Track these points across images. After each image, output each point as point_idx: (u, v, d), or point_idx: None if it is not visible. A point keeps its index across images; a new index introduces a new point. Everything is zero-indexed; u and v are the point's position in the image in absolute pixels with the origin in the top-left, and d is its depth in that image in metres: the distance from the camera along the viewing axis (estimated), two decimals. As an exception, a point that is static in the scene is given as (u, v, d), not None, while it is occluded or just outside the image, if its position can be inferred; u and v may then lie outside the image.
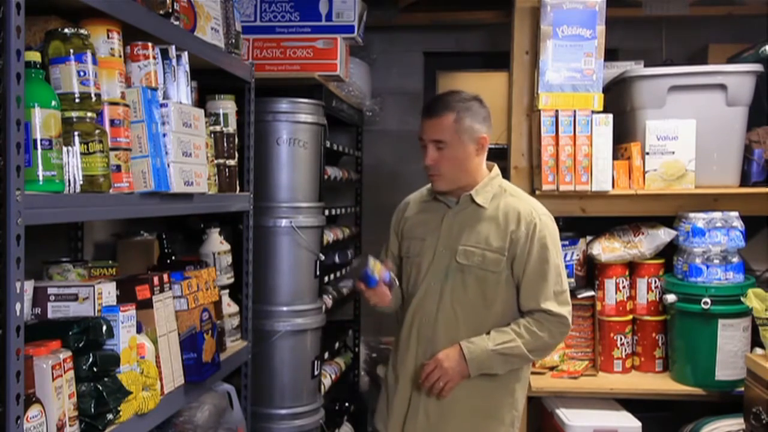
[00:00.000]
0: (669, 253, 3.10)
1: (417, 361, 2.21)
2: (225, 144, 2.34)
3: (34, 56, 1.40)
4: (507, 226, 2.15)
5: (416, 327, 2.21)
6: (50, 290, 1.68)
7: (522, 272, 2.14)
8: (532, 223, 2.15)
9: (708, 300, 2.86)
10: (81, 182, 1.48)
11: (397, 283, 2.25)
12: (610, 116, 2.92)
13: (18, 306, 1.25)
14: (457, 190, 2.21)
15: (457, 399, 2.15)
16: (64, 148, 1.44)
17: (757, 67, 2.99)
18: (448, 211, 2.23)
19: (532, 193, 3.07)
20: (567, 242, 3.14)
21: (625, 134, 3.08)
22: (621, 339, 3.12)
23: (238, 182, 2.45)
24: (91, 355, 1.54)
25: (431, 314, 2.19)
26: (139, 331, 1.76)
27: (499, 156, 4.02)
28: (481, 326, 2.15)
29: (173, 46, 1.92)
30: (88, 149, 1.49)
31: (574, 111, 2.91)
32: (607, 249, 3.10)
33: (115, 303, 1.71)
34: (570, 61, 2.92)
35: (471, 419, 2.17)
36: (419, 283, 2.22)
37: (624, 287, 3.14)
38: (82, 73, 1.49)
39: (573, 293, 3.14)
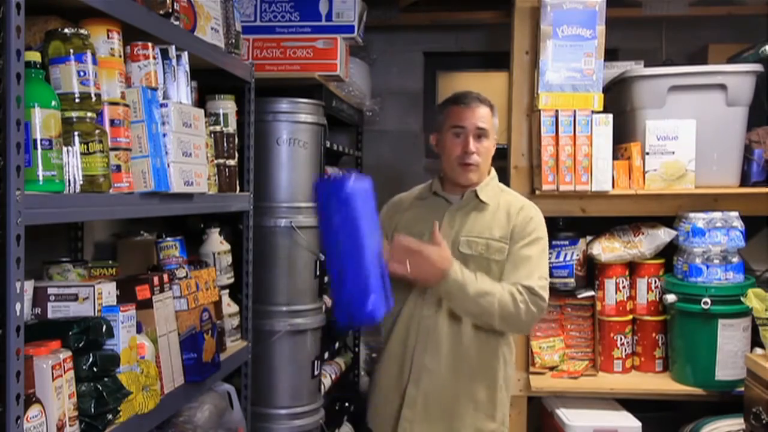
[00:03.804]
0: (669, 253, 3.10)
1: (416, 353, 2.20)
2: (225, 144, 2.34)
3: (34, 56, 1.40)
4: (509, 219, 2.21)
5: (416, 321, 2.21)
6: (50, 290, 1.68)
7: (513, 252, 2.16)
8: (529, 214, 2.23)
9: (708, 300, 2.87)
10: (81, 182, 1.48)
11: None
12: (610, 116, 2.92)
13: (18, 306, 1.25)
14: (465, 186, 2.24)
15: (458, 394, 2.17)
16: (64, 148, 1.44)
17: (757, 67, 2.99)
18: (449, 206, 2.25)
19: (532, 192, 3.08)
20: (567, 242, 3.14)
21: (625, 134, 3.08)
22: (621, 339, 3.12)
23: (238, 182, 2.45)
24: (91, 355, 1.54)
25: (432, 307, 2.18)
26: (139, 331, 1.76)
27: (499, 156, 4.04)
28: None
29: (173, 46, 1.92)
30: (88, 149, 1.49)
31: (574, 111, 2.91)
32: (607, 249, 3.10)
33: (115, 303, 1.71)
34: (570, 61, 2.92)
35: (470, 416, 2.18)
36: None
37: (624, 287, 3.14)
38: (82, 73, 1.49)
39: (573, 293, 3.17)
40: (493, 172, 2.33)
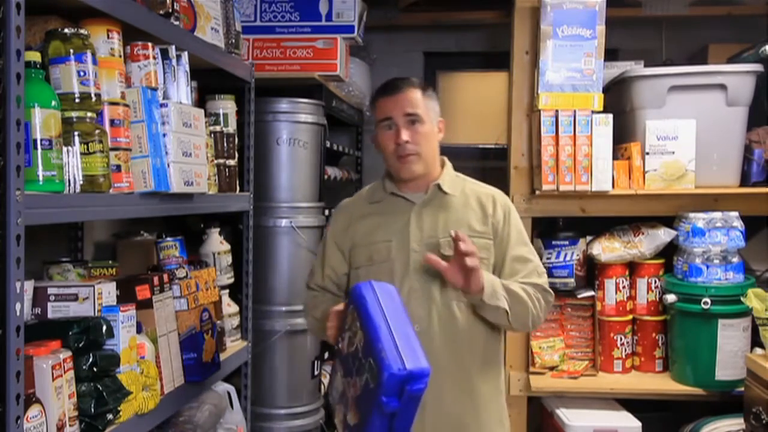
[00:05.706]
0: (669, 253, 3.10)
1: None
2: (225, 144, 2.34)
3: (34, 56, 1.40)
4: (484, 209, 2.05)
5: None
6: (50, 290, 1.68)
7: (504, 255, 2.03)
8: (506, 206, 2.08)
9: (708, 300, 2.86)
10: (81, 182, 1.49)
11: None
12: (610, 116, 2.92)
13: (18, 306, 1.25)
14: (420, 180, 2.04)
15: (462, 413, 2.04)
16: (64, 148, 1.44)
17: (757, 67, 2.98)
18: (413, 206, 2.03)
19: (532, 193, 3.08)
20: (567, 242, 3.14)
21: (625, 134, 3.08)
22: (621, 339, 3.12)
23: (238, 182, 2.45)
24: (91, 355, 1.54)
25: (422, 318, 1.99)
26: (139, 331, 1.76)
27: (499, 156, 4.05)
28: (476, 320, 2.02)
29: (173, 46, 1.92)
30: (88, 149, 1.50)
31: (574, 111, 2.91)
32: (607, 249, 3.10)
33: (115, 303, 1.71)
34: (570, 61, 2.92)
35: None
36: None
37: (624, 287, 3.14)
38: (82, 73, 1.50)
39: (573, 293, 3.16)
40: (447, 162, 2.11)
